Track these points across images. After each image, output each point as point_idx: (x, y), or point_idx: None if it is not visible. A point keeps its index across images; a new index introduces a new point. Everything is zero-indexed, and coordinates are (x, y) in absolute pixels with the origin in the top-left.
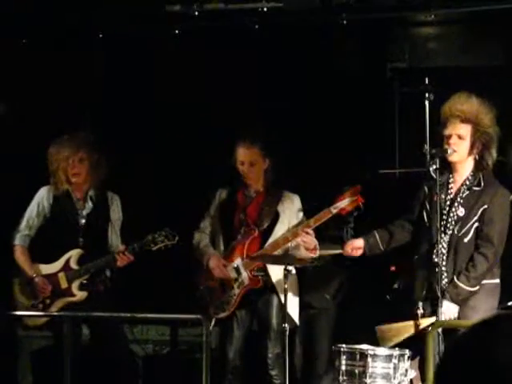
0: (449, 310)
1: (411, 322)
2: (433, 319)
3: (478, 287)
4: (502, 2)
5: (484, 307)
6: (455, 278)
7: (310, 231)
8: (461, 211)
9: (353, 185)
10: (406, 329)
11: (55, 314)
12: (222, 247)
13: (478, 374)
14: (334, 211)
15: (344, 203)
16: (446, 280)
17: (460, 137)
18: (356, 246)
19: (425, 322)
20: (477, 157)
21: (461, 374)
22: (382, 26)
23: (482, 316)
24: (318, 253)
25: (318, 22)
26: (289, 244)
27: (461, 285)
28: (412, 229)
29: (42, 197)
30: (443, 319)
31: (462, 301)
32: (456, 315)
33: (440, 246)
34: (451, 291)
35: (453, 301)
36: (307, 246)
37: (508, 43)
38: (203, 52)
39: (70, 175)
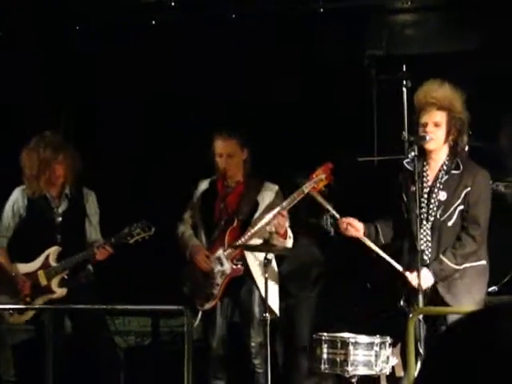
0: (424, 278)
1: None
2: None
3: (462, 267)
4: None
5: (474, 289)
6: (440, 254)
7: (285, 213)
8: (442, 195)
9: (324, 162)
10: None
11: (37, 306)
12: (203, 238)
13: (479, 359)
14: (307, 190)
15: (315, 181)
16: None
17: (436, 124)
18: (354, 225)
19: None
20: (451, 143)
21: (460, 359)
22: (358, 13)
23: (472, 298)
24: (290, 241)
25: (295, 10)
26: (267, 229)
27: (446, 261)
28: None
29: (16, 198)
30: (418, 284)
31: (444, 277)
32: (429, 285)
33: (424, 232)
34: (435, 266)
35: (435, 276)
36: (279, 229)
37: (484, 29)
38: (180, 42)
39: (53, 178)
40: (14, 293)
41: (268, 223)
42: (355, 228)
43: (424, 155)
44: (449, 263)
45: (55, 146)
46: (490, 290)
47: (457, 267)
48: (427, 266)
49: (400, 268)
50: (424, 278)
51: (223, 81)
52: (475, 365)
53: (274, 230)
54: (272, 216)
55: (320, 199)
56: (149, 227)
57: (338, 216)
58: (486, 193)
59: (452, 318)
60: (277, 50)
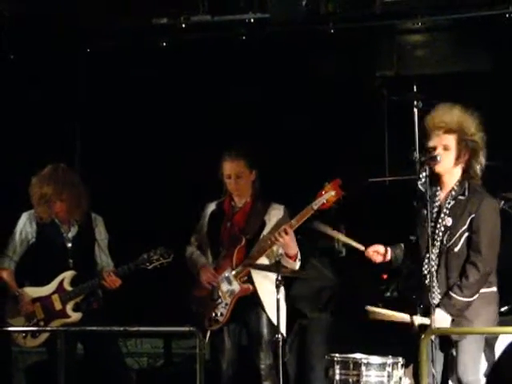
0: (440, 318)
1: (406, 316)
2: (427, 320)
3: (475, 297)
4: (488, 9)
5: (482, 316)
6: (450, 290)
7: (290, 230)
8: (448, 221)
9: (332, 179)
10: (399, 317)
11: (48, 329)
12: (210, 258)
13: None
14: (316, 207)
15: (324, 198)
16: (438, 290)
17: (445, 148)
18: (379, 251)
19: (419, 320)
20: (464, 165)
21: None
22: (369, 34)
23: (480, 325)
24: (298, 264)
25: (306, 31)
26: (274, 250)
27: (454, 296)
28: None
29: (24, 223)
30: (435, 327)
31: (458, 311)
32: (448, 324)
33: (430, 256)
34: (446, 303)
35: (449, 312)
36: (287, 249)
37: (495, 49)
38: (191, 64)
39: (51, 213)
40: (28, 316)
41: (273, 240)
42: (381, 252)
43: (436, 178)
44: (457, 297)
45: (59, 184)
46: (502, 310)
47: (466, 299)
48: (438, 305)
49: (362, 248)
50: (441, 319)
51: (233, 101)
52: None
53: (282, 251)
54: (277, 233)
55: (342, 237)
56: (168, 254)
57: (362, 248)
58: (490, 220)
59: (463, 346)
60: (287, 71)
